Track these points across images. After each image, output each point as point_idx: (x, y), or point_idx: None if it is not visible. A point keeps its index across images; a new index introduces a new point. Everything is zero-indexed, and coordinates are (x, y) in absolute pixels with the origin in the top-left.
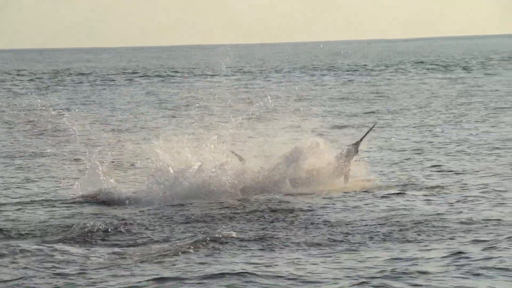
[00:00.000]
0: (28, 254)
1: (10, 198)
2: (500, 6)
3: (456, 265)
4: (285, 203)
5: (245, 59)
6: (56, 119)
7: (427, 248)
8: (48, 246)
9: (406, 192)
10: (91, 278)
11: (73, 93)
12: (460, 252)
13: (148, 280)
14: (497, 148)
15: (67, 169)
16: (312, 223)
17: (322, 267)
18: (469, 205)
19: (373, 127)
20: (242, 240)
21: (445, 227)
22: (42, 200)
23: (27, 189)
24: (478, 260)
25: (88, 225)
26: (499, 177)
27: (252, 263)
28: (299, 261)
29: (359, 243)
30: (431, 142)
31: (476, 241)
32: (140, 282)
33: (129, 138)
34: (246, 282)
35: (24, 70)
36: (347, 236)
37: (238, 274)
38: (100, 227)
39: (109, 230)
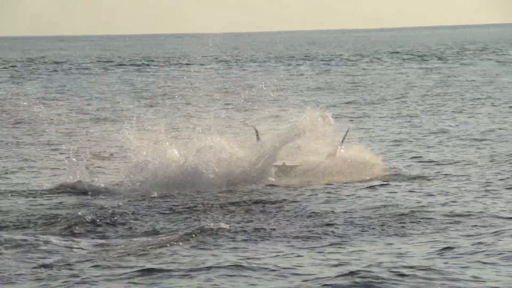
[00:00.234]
0: (12, 245)
1: None
2: None
3: (441, 257)
4: (269, 194)
5: (220, 48)
6: (32, 108)
7: (412, 240)
8: (31, 237)
9: (389, 183)
10: (74, 270)
11: (48, 81)
12: (445, 244)
13: (133, 272)
14: (476, 139)
15: (45, 159)
16: (297, 215)
17: (308, 260)
18: (452, 196)
19: (346, 133)
20: (228, 231)
21: (429, 218)
22: (23, 190)
23: (6, 179)
24: (463, 252)
25: (71, 216)
26: (480, 168)
27: (238, 256)
28: (284, 254)
29: (343, 235)
30: (410, 133)
31: (460, 233)
32: (124, 274)
33: (107, 128)
34: (232, 274)
35: None
36: (331, 228)
37: (224, 267)
38: (84, 218)
39: (93, 221)
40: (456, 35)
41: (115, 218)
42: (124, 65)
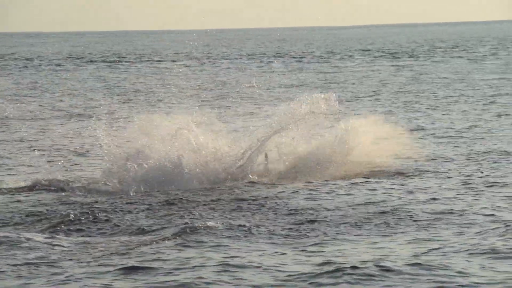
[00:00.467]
0: None
1: None
2: None
3: (426, 254)
4: (251, 191)
5: (191, 45)
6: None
7: (395, 237)
8: (13, 234)
9: (369, 180)
10: (56, 268)
11: (20, 78)
12: (429, 241)
13: (116, 270)
14: (452, 136)
15: (20, 156)
16: (279, 212)
17: (291, 257)
18: (433, 193)
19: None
20: (211, 229)
21: (412, 215)
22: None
23: None
24: (447, 248)
25: (51, 213)
26: (458, 165)
27: (222, 253)
28: (268, 251)
29: (326, 232)
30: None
31: (444, 230)
32: (108, 272)
33: (81, 125)
34: (216, 272)
35: None
36: (314, 225)
37: (208, 265)
38: (65, 215)
39: (75, 218)
40: (426, 33)
41: (97, 215)
42: (95, 61)
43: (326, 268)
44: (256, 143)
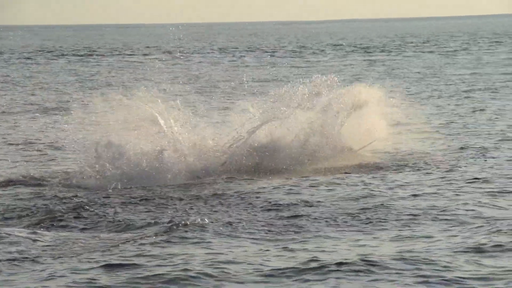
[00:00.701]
0: None
1: None
2: None
3: (410, 251)
4: (231, 187)
5: (163, 39)
6: None
7: (377, 233)
8: None
9: (350, 175)
10: (36, 264)
11: None
12: (412, 236)
13: (98, 267)
14: (427, 132)
15: None
16: (259, 209)
17: (273, 254)
18: (413, 189)
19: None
20: (193, 225)
21: (393, 210)
22: None
23: None
24: (432, 243)
25: (31, 207)
26: (436, 161)
27: (205, 250)
28: (251, 248)
29: (308, 228)
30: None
31: (427, 225)
32: (90, 268)
33: (54, 118)
34: (199, 269)
35: None
36: (295, 221)
37: (190, 262)
38: (46, 210)
39: (55, 213)
40: (396, 28)
41: (77, 210)
42: (66, 55)
43: (311, 264)
44: (244, 134)
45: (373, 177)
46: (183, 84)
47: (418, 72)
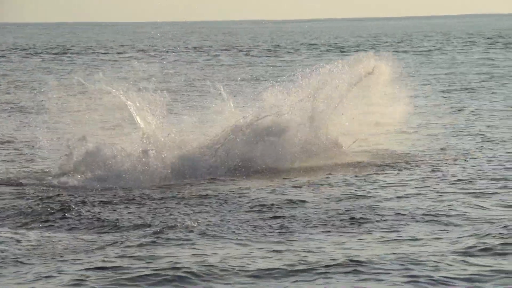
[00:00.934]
0: None
1: None
2: None
3: (396, 250)
4: (214, 188)
5: (136, 37)
6: None
7: (363, 235)
8: None
9: (332, 175)
10: (21, 265)
11: None
12: (399, 237)
13: (81, 269)
14: (407, 132)
15: None
16: (244, 209)
17: (259, 257)
18: (397, 190)
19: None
20: (179, 227)
21: (378, 209)
22: None
23: None
24: (419, 243)
25: (13, 207)
26: (417, 162)
27: (190, 252)
28: (236, 249)
29: (292, 228)
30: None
31: (412, 226)
32: (74, 271)
33: (31, 117)
34: (185, 271)
35: None
36: (278, 221)
37: (176, 263)
38: (29, 209)
39: (38, 212)
40: (370, 28)
41: (61, 210)
42: (40, 53)
43: (299, 265)
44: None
45: (356, 177)
46: (159, 83)
47: (394, 72)
